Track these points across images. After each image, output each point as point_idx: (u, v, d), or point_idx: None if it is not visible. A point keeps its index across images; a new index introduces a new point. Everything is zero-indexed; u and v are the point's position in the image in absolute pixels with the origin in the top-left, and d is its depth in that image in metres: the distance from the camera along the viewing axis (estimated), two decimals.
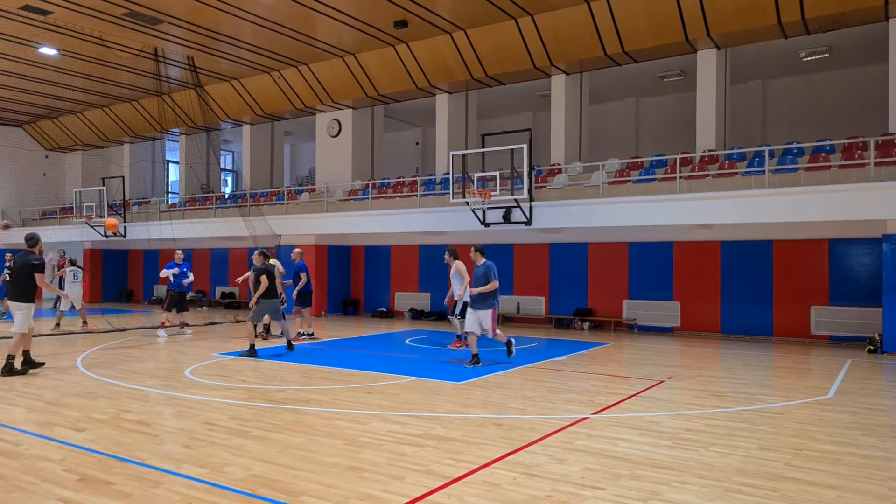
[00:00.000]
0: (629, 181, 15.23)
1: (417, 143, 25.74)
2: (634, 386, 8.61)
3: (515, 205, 15.05)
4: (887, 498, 4.47)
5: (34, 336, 10.90)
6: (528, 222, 15.19)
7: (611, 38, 15.51)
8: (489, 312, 10.00)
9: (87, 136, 26.98)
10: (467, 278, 11.11)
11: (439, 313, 18.92)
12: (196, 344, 12.90)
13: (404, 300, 20.16)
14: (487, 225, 15.76)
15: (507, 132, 15.72)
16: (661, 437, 6.00)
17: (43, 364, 9.68)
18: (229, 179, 31.57)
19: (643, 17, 14.85)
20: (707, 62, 15.74)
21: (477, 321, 10.07)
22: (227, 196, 23.85)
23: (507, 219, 15.40)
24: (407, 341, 13.83)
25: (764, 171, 13.27)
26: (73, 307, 15.35)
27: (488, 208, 15.61)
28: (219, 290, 24.07)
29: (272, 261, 12.67)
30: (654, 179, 14.91)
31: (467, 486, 4.62)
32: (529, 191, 14.72)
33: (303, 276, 13.02)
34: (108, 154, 28.32)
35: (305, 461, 5.19)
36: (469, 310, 10.24)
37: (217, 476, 4.82)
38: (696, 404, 7.49)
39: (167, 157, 29.28)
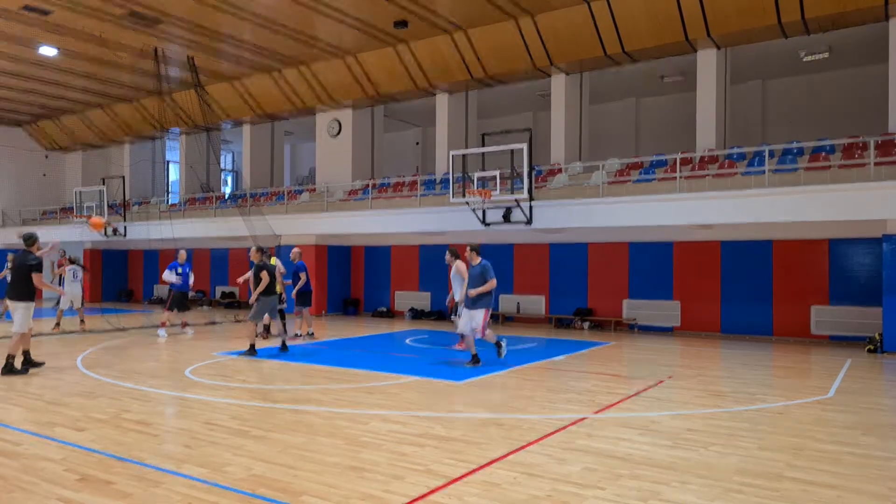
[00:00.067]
0: (629, 181, 15.23)
1: (417, 143, 25.75)
2: (634, 386, 8.61)
3: (515, 204, 15.05)
4: (887, 498, 4.48)
5: (33, 336, 10.90)
6: (529, 222, 15.20)
7: (611, 38, 15.51)
8: (481, 312, 9.99)
9: (87, 136, 26.97)
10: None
11: (439, 313, 18.93)
12: (196, 343, 12.90)
13: (404, 300, 20.16)
14: (487, 225, 15.76)
15: (507, 132, 15.74)
16: (662, 436, 6.01)
17: (43, 364, 9.68)
18: (229, 179, 31.56)
19: (643, 16, 14.85)
20: (707, 62, 15.74)
21: (469, 321, 10.07)
22: (227, 196, 23.83)
23: (507, 219, 15.41)
24: (407, 341, 13.82)
25: (764, 171, 13.27)
26: (72, 306, 15.34)
27: (488, 208, 15.61)
28: (219, 290, 24.08)
29: (273, 260, 12.68)
30: (654, 179, 14.91)
31: (467, 486, 4.63)
32: (529, 190, 14.73)
33: (302, 275, 13.04)
34: (108, 154, 28.31)
35: (306, 461, 5.19)
36: (464, 310, 10.22)
37: (217, 476, 4.82)
38: (697, 404, 7.49)
39: (167, 157, 29.27)
